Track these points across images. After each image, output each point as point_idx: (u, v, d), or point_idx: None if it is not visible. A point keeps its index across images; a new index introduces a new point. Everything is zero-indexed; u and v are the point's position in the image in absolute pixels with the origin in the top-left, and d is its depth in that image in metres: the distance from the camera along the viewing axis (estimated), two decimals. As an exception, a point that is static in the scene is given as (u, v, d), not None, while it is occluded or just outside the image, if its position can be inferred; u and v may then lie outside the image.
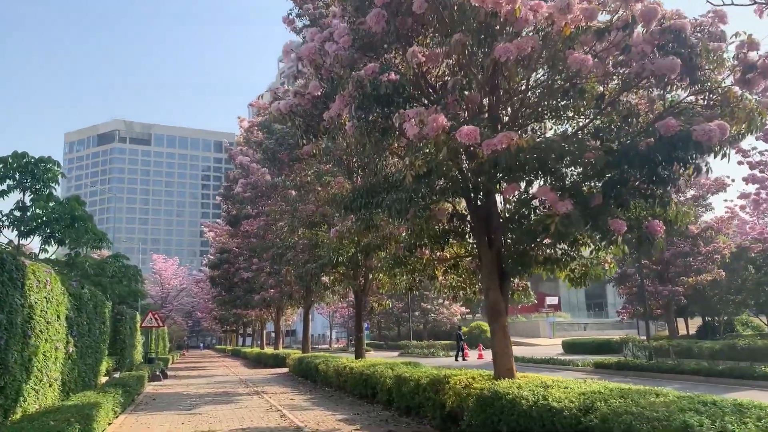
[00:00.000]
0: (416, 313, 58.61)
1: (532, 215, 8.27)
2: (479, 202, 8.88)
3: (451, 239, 9.33)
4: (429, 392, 9.39)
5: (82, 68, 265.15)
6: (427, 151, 7.87)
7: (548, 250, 9.40)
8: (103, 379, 16.16)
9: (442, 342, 50.10)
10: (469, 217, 9.19)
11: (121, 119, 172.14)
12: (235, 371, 28.00)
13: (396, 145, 9.30)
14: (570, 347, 36.79)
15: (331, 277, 19.09)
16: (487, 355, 31.44)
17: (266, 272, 27.47)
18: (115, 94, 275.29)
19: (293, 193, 19.13)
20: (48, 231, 14.76)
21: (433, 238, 8.99)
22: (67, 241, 15.07)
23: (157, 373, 20.92)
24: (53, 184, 15.17)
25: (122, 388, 12.60)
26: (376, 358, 16.40)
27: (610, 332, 60.76)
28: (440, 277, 11.14)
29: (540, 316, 64.08)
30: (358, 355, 17.13)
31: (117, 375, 16.77)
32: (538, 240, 8.57)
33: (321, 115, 10.13)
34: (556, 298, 61.48)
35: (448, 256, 10.72)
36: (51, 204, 14.93)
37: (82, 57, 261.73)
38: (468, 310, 65.59)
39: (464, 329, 55.72)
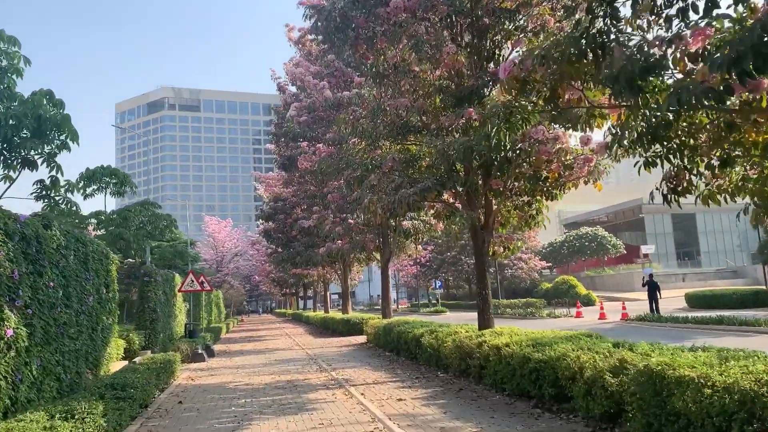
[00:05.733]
0: (491, 270, 52.45)
1: None
2: None
3: None
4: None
5: (128, 37, 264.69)
6: None
7: None
8: (117, 366, 11.14)
9: (529, 300, 43.68)
10: None
11: (170, 86, 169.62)
12: (299, 342, 22.93)
13: None
14: (698, 301, 30.09)
15: (432, 211, 13.38)
16: (589, 313, 24.21)
17: (331, 220, 22.02)
18: (162, 62, 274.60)
19: (359, 110, 13.34)
20: (6, 147, 9.49)
21: None
22: (39, 161, 9.80)
23: (200, 351, 15.85)
24: (13, 75, 9.88)
25: (118, 392, 7.33)
26: (514, 328, 10.50)
27: (712, 282, 53.50)
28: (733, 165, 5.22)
29: (629, 268, 56.86)
30: (484, 323, 11.38)
31: (138, 359, 11.70)
32: None
33: None
34: (652, 247, 54.05)
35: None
36: (13, 104, 9.65)
37: (127, 25, 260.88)
38: (549, 264, 58.92)
39: (545, 286, 49.16)
